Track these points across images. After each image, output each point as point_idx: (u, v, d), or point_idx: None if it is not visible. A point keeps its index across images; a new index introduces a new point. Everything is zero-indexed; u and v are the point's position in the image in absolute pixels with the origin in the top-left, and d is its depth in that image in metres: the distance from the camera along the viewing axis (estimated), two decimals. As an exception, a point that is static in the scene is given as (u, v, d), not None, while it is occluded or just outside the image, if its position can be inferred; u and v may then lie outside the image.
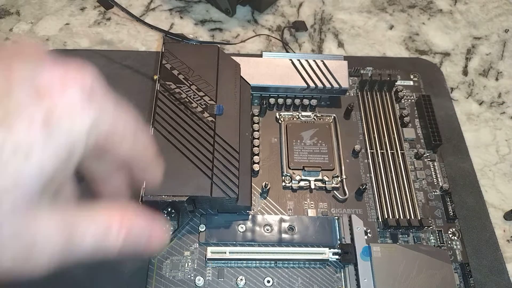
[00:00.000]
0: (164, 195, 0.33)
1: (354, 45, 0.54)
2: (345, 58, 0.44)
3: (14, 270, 0.16)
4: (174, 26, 0.54)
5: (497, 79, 0.52)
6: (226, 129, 0.37)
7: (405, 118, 0.44)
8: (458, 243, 0.38)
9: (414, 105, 0.46)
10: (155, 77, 0.39)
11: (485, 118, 0.48)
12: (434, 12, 0.58)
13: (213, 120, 0.37)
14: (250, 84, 0.42)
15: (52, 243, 0.16)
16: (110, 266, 0.36)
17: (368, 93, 0.45)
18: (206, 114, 0.37)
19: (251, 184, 0.37)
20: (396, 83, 0.46)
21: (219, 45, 0.42)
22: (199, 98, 0.38)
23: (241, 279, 0.35)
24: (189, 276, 0.35)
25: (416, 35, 0.55)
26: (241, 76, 0.41)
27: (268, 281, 0.35)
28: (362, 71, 0.47)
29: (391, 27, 0.56)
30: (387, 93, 0.45)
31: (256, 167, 0.40)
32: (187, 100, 0.38)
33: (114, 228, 0.17)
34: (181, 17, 0.55)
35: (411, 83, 0.48)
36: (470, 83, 0.51)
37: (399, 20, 0.57)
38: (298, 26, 0.54)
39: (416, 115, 0.46)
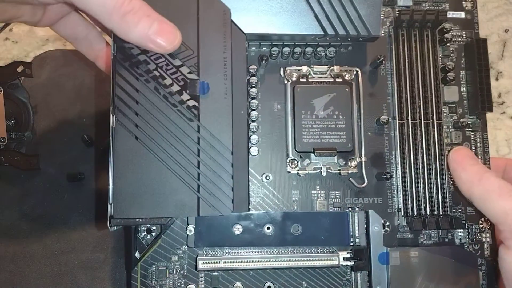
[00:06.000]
0: (137, 218, 0.26)
1: None
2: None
3: None
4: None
5: (497, 79, 0.51)
6: (214, 117, 0.27)
7: (449, 74, 0.34)
8: (488, 234, 0.33)
9: (462, 50, 0.35)
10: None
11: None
12: None
13: (196, 104, 0.27)
14: (244, 33, 0.30)
15: None
16: (110, 266, 0.32)
17: (405, 33, 0.34)
18: (185, 96, 0.27)
19: (249, 185, 0.30)
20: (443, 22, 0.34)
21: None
22: (174, 70, 0.27)
23: (238, 286, 0.31)
24: (179, 284, 0.31)
25: None
26: (232, 22, 0.29)
27: (269, 287, 0.31)
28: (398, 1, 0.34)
29: None
30: (429, 32, 0.34)
31: (254, 150, 0.32)
32: (158, 74, 0.27)
33: None
34: None
35: (462, 15, 0.35)
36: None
37: None
38: None
39: (463, 65, 0.35)
